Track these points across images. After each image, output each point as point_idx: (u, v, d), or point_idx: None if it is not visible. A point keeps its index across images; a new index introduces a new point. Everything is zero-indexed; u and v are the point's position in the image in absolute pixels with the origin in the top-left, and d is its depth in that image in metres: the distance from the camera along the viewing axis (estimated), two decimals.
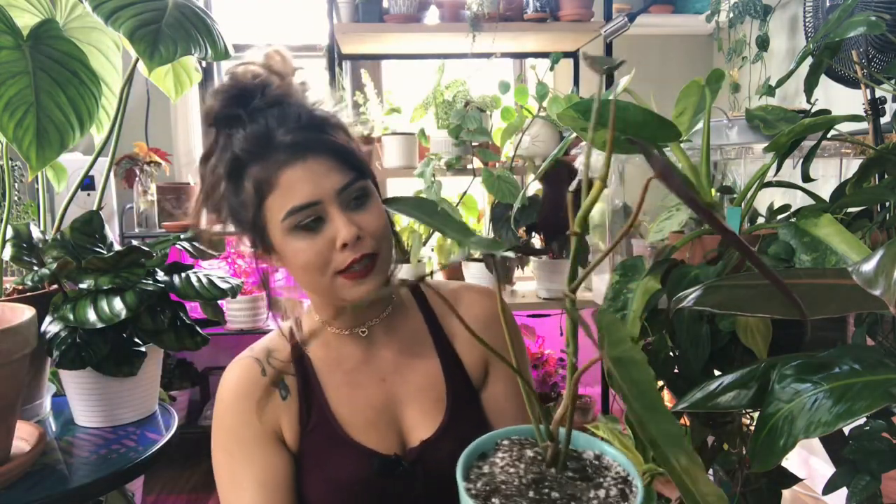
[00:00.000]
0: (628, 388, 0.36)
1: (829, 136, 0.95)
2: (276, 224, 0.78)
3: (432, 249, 2.24)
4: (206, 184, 0.82)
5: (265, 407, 0.85)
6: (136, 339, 1.11)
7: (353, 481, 0.83)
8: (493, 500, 0.50)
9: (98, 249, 1.14)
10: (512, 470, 0.54)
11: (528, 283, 2.39)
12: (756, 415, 0.62)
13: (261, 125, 0.77)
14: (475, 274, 2.09)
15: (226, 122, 0.80)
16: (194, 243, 1.20)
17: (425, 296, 0.96)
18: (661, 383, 0.87)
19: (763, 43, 2.28)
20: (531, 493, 0.50)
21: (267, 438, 0.85)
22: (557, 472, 0.52)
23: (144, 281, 1.08)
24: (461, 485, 0.51)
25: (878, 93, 1.03)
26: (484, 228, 2.20)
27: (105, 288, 1.04)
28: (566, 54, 2.59)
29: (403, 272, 2.06)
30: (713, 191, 1.00)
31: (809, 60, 0.98)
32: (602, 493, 0.50)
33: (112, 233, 1.21)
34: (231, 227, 0.84)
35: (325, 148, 0.77)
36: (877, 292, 0.42)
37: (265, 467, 0.84)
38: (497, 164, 2.20)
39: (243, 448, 0.84)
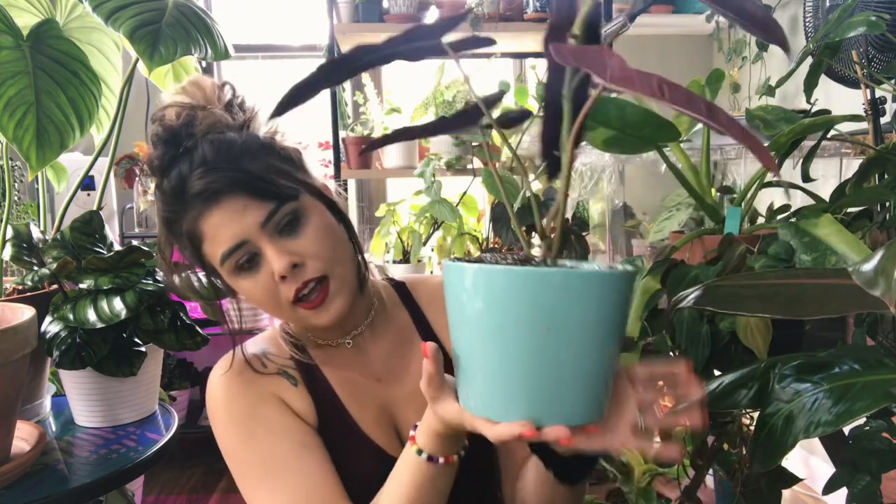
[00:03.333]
0: None
1: (829, 136, 0.95)
2: (219, 269, 0.78)
3: (432, 249, 2.24)
4: (158, 238, 0.82)
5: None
6: (136, 339, 1.11)
7: (368, 479, 0.82)
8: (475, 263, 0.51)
9: (98, 249, 1.14)
10: (501, 257, 0.56)
11: None
12: (756, 415, 0.62)
13: (172, 180, 0.75)
14: None
15: (156, 174, 0.78)
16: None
17: (410, 293, 0.95)
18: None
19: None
20: (516, 264, 0.52)
21: (288, 410, 0.82)
22: (551, 263, 0.54)
23: (144, 281, 1.08)
24: (444, 261, 0.53)
25: (878, 93, 1.03)
26: (484, 228, 2.20)
27: (105, 288, 1.04)
28: None
29: (402, 272, 2.06)
30: (713, 191, 1.00)
31: (809, 60, 0.98)
32: (593, 267, 0.52)
33: (112, 233, 1.21)
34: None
35: (235, 186, 0.73)
36: (877, 292, 0.42)
37: (299, 430, 0.80)
38: (497, 164, 2.21)
39: (266, 424, 0.79)
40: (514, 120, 0.54)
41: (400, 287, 0.95)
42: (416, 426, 0.67)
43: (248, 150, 0.76)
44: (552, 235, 0.53)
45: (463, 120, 0.51)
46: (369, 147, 0.57)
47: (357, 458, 0.83)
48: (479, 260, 0.55)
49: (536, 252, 0.55)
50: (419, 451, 0.65)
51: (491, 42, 0.48)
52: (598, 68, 0.38)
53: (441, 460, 0.65)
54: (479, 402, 0.54)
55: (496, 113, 0.52)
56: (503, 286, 0.49)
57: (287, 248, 0.74)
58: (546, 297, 0.48)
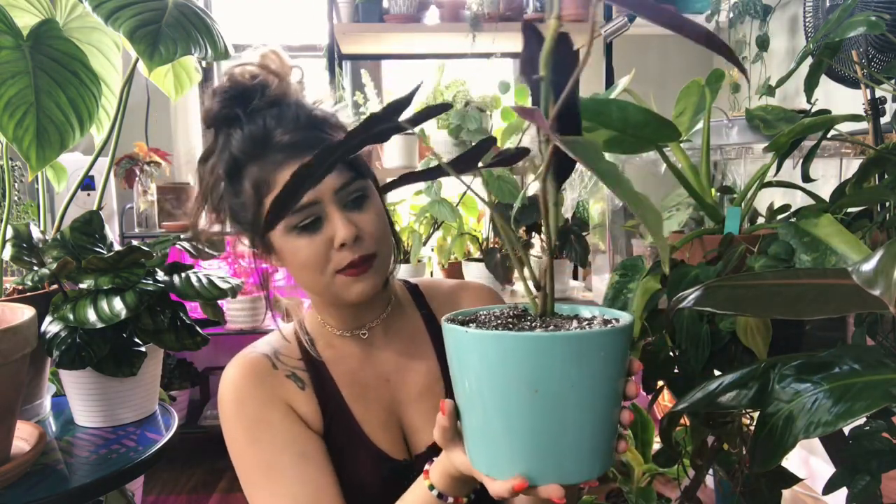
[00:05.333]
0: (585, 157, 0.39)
1: (829, 136, 0.95)
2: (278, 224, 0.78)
3: (432, 249, 2.24)
4: (204, 184, 0.83)
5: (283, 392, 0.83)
6: (136, 339, 1.11)
7: (369, 482, 0.82)
8: (470, 325, 0.53)
9: (98, 249, 1.14)
10: (497, 312, 0.56)
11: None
12: (756, 415, 0.62)
13: (259, 125, 0.78)
14: (475, 273, 2.10)
15: (224, 123, 0.80)
16: (194, 243, 1.19)
17: (423, 296, 0.96)
18: (661, 383, 0.87)
19: (763, 43, 2.28)
20: (510, 321, 0.53)
21: (294, 417, 0.82)
22: (546, 317, 0.54)
23: (144, 281, 1.08)
24: (442, 320, 0.54)
25: (878, 93, 1.03)
26: (484, 228, 2.20)
27: (105, 288, 1.04)
28: None
29: (402, 272, 2.06)
30: (713, 191, 1.00)
31: (809, 60, 0.98)
32: (585, 323, 0.53)
33: (112, 233, 1.21)
34: (229, 227, 0.85)
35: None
36: (877, 292, 0.42)
37: (302, 439, 0.80)
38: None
39: (272, 431, 0.80)
40: (510, 159, 0.55)
41: (413, 289, 0.96)
42: (432, 460, 0.68)
43: (332, 124, 0.82)
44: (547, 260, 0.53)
45: (459, 165, 0.54)
46: (383, 190, 0.60)
47: (359, 462, 0.83)
48: (473, 319, 0.55)
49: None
50: (431, 487, 0.67)
51: (448, 107, 0.53)
52: (543, 126, 0.42)
53: (451, 500, 0.67)
54: (479, 458, 0.55)
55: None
56: (488, 351, 0.49)
57: (353, 220, 0.78)
58: (530, 361, 0.48)
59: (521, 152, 0.54)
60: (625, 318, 0.52)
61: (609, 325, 0.51)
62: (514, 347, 0.48)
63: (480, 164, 0.54)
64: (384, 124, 0.50)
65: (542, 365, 0.48)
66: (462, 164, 0.54)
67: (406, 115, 0.50)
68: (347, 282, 0.79)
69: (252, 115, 0.79)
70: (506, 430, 0.50)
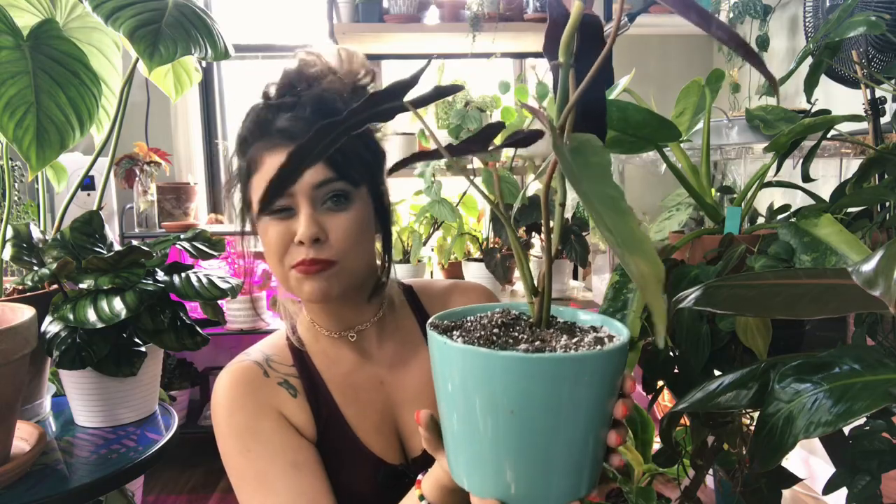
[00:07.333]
0: (585, 174, 0.35)
1: (829, 136, 0.95)
2: (255, 204, 0.81)
3: (432, 249, 2.25)
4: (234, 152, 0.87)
5: (275, 402, 0.83)
6: (136, 339, 1.11)
7: (364, 488, 0.82)
8: (454, 332, 0.51)
9: (98, 249, 1.14)
10: (486, 320, 0.54)
11: None
12: (756, 415, 0.62)
13: (270, 111, 0.80)
14: (475, 273, 2.10)
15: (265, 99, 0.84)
16: (194, 243, 1.19)
17: (418, 297, 0.95)
18: (660, 383, 0.87)
19: (763, 43, 2.28)
20: (495, 331, 0.50)
21: (286, 425, 0.82)
22: (539, 327, 0.52)
23: (144, 281, 1.08)
24: (428, 324, 0.52)
25: (878, 93, 1.03)
26: (484, 228, 2.20)
27: (105, 288, 1.04)
28: None
29: (402, 272, 2.06)
30: (713, 191, 1.00)
31: (809, 60, 0.98)
32: (574, 340, 0.49)
33: (112, 233, 1.21)
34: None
35: None
36: (877, 293, 0.42)
37: (293, 448, 0.80)
38: (497, 164, 2.20)
39: (263, 440, 0.80)
40: (523, 140, 0.54)
41: (408, 290, 0.96)
42: (425, 471, 0.68)
43: None
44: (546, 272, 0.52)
45: (471, 146, 0.52)
46: (390, 171, 0.58)
47: (353, 469, 0.83)
48: (460, 325, 0.53)
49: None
50: (421, 498, 0.66)
51: (459, 88, 0.50)
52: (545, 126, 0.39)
53: None
54: (458, 468, 0.53)
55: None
56: (467, 366, 0.47)
57: (319, 221, 0.77)
58: (509, 383, 0.45)
59: (534, 134, 0.52)
60: (622, 335, 0.50)
61: (598, 347, 0.48)
62: (492, 366, 0.45)
63: (491, 147, 0.52)
64: (388, 103, 0.47)
65: (520, 387, 0.45)
66: (470, 147, 0.51)
67: (404, 117, 0.49)
68: (299, 278, 0.79)
69: (274, 100, 0.81)
70: (481, 445, 0.48)
